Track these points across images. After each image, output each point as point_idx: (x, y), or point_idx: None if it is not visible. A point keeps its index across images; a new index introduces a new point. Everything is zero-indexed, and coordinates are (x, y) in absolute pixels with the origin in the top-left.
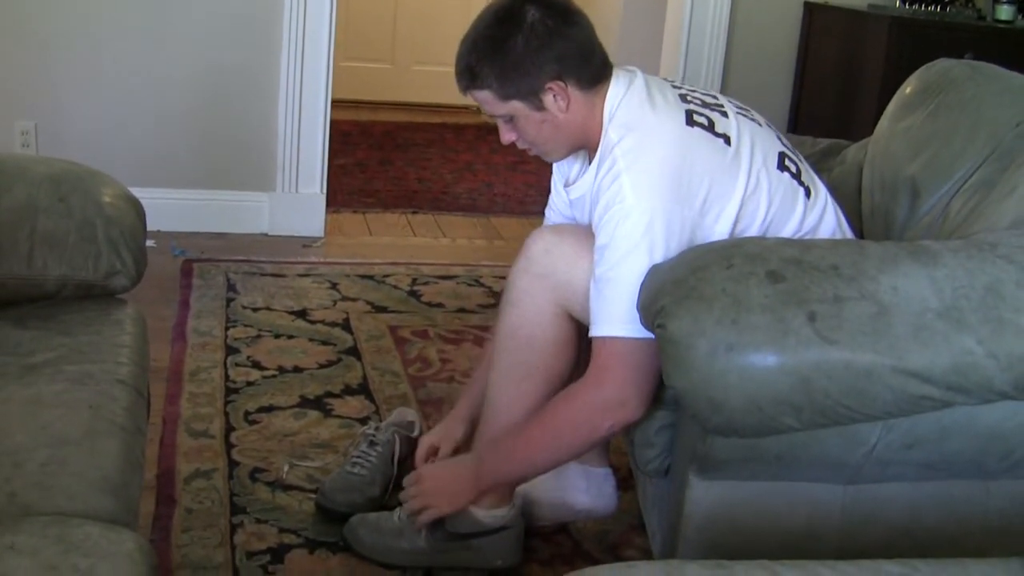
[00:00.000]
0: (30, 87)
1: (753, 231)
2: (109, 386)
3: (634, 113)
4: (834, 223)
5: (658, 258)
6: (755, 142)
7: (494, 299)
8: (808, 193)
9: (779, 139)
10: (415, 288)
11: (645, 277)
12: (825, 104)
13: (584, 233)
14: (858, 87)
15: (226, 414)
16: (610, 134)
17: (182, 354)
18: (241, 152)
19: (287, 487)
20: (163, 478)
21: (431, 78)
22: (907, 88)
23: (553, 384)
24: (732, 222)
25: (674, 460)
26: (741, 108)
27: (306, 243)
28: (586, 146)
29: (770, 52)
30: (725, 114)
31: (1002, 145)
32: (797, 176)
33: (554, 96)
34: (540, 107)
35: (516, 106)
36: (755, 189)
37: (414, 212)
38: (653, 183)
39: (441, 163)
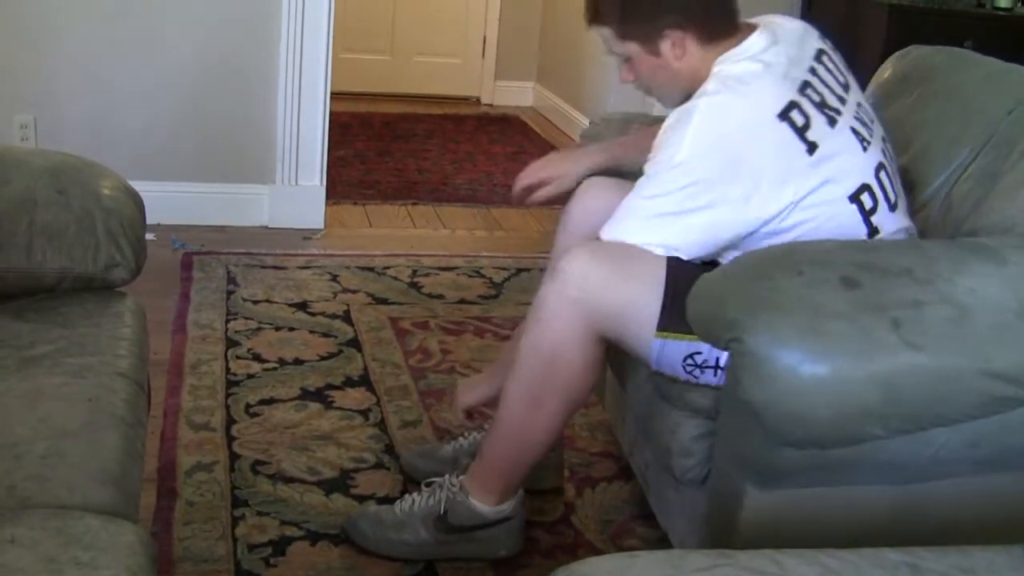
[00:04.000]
0: (29, 80)
1: (784, 238)
2: (108, 378)
3: (741, 76)
4: None
5: (680, 221)
6: (841, 165)
7: (495, 290)
8: (872, 234)
9: (877, 169)
10: (415, 279)
11: (698, 286)
12: None
13: (623, 253)
14: (857, 74)
15: (227, 407)
16: (709, 83)
17: (183, 347)
18: (240, 144)
19: (288, 479)
20: (164, 471)
21: (431, 69)
22: (884, 74)
23: (572, 406)
24: (764, 220)
25: (717, 469)
26: (862, 121)
27: (306, 235)
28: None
29: None
30: (833, 123)
31: (997, 133)
32: (869, 213)
33: (671, 44)
34: (656, 52)
35: (632, 48)
36: (806, 206)
37: (414, 203)
38: (709, 150)
39: (441, 154)
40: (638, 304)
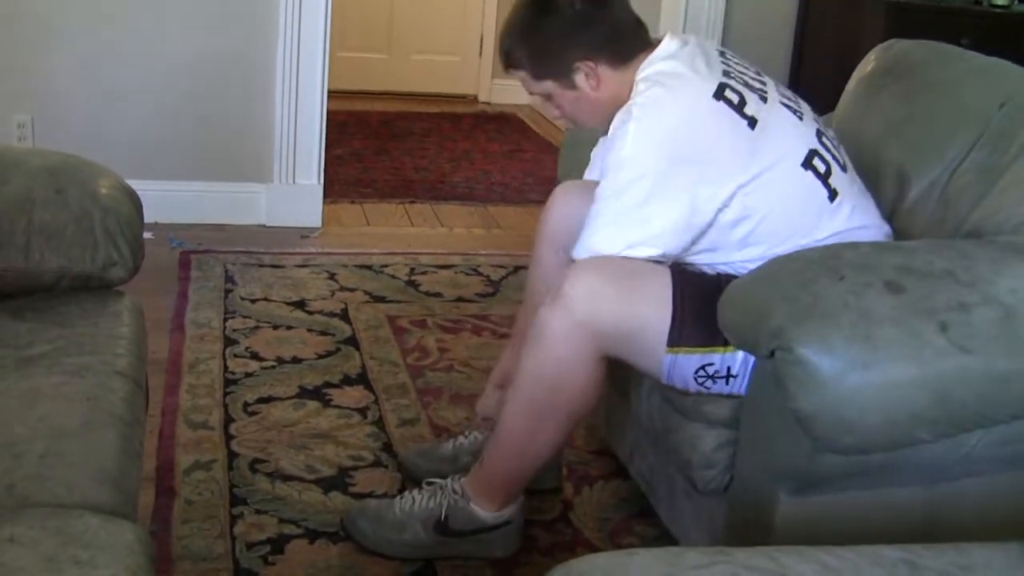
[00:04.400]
0: (26, 80)
1: (753, 220)
2: (107, 378)
3: (667, 71)
4: (873, 232)
5: (640, 214)
6: (784, 134)
7: (492, 288)
8: (832, 196)
9: (818, 136)
10: (413, 278)
11: (732, 293)
12: (822, 88)
13: (626, 271)
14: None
15: (225, 405)
16: (639, 85)
17: (181, 346)
18: (238, 143)
19: (286, 477)
20: (163, 470)
21: (428, 67)
22: (867, 68)
23: (575, 423)
24: (722, 201)
25: (742, 477)
26: (787, 98)
27: (304, 234)
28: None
29: (767, 37)
30: (764, 99)
31: (990, 127)
32: (824, 177)
33: (584, 75)
34: (572, 86)
35: (549, 86)
36: (763, 180)
37: (411, 202)
38: (654, 141)
39: (438, 152)
40: (647, 322)
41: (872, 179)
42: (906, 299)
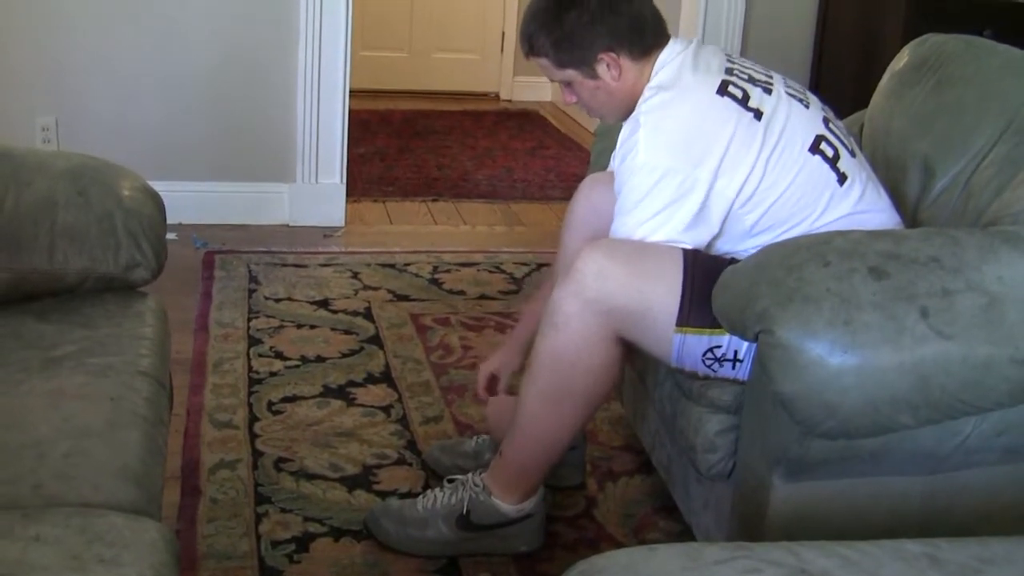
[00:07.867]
0: (50, 82)
1: (764, 205)
2: (130, 378)
3: (670, 75)
4: (881, 217)
5: (665, 214)
6: (790, 122)
7: (515, 285)
8: (842, 180)
9: (825, 123)
10: (436, 276)
11: (725, 278)
12: (843, 81)
13: (638, 251)
14: (876, 64)
15: (250, 404)
16: (646, 92)
17: (205, 345)
18: (260, 143)
19: (311, 476)
20: (188, 469)
21: (449, 66)
22: (900, 62)
23: (593, 407)
24: (738, 189)
25: (743, 463)
26: (794, 89)
27: (327, 233)
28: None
29: (787, 33)
30: (769, 91)
31: (1016, 120)
32: (832, 161)
33: (607, 66)
34: (594, 76)
35: (571, 74)
36: (772, 166)
37: (434, 200)
38: (665, 142)
39: (460, 150)
40: (657, 301)
41: (899, 171)
42: (888, 285)
